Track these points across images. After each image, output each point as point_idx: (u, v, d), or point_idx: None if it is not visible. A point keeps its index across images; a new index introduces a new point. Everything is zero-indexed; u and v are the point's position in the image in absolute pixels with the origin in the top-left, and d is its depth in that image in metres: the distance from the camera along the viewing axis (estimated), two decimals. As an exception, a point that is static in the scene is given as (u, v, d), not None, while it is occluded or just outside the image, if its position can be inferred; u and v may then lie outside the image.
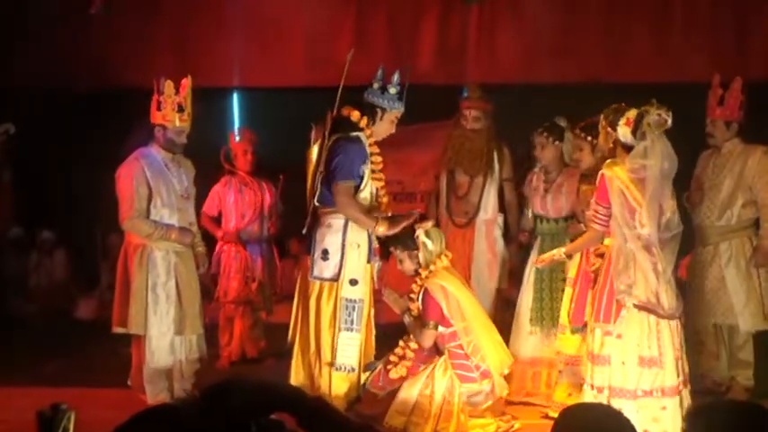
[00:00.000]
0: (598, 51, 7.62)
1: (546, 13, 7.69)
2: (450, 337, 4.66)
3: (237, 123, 8.77)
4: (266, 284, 6.46)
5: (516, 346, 5.23)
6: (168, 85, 5.04)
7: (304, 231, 4.82)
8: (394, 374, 4.72)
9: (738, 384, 5.29)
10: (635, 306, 4.21)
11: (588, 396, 4.32)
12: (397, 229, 4.69)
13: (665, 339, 4.24)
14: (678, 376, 4.27)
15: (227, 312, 6.37)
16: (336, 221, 4.68)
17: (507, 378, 5.11)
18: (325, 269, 4.66)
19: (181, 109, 5.06)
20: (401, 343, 4.80)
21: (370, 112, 4.73)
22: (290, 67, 7.95)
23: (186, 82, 5.08)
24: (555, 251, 4.74)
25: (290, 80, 8.04)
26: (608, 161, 4.30)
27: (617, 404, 4.18)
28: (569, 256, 4.76)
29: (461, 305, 4.66)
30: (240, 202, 6.37)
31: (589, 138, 4.89)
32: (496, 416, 4.80)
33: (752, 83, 5.28)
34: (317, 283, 4.69)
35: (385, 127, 4.79)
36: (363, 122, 4.71)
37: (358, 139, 4.70)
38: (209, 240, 6.33)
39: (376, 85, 4.72)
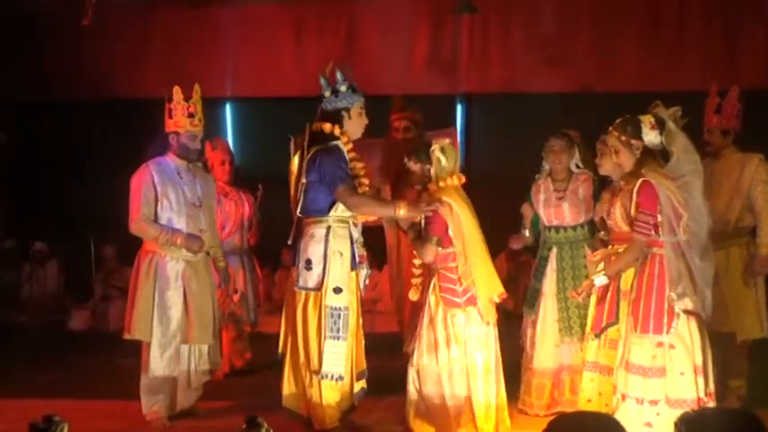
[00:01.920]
0: (590, 61, 7.67)
1: (537, 23, 7.74)
2: (444, 258, 4.68)
3: (236, 134, 8.74)
4: (248, 296, 6.36)
5: (540, 359, 5.14)
6: (177, 92, 5.11)
7: (289, 242, 4.86)
8: (413, 296, 4.81)
9: (731, 393, 5.29)
10: (684, 312, 4.22)
11: (632, 409, 4.26)
12: (417, 213, 4.72)
13: (707, 345, 4.29)
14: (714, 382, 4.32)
15: (213, 325, 6.32)
16: (319, 231, 4.71)
17: (538, 393, 5.10)
18: (309, 279, 4.69)
19: (191, 115, 5.14)
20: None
21: (337, 117, 4.78)
22: (280, 78, 7.98)
23: (196, 88, 5.16)
24: (593, 276, 4.62)
25: (279, 91, 8.06)
26: (646, 168, 4.26)
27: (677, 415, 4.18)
28: (611, 278, 4.57)
29: (463, 227, 4.66)
30: (220, 214, 6.18)
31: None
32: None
33: (742, 91, 5.31)
34: (303, 292, 4.72)
35: (356, 122, 4.83)
36: (336, 131, 4.76)
37: (336, 148, 4.75)
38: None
39: (328, 93, 4.77)
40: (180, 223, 5.08)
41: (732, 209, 5.23)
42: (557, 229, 5.20)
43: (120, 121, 7.76)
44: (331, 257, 4.67)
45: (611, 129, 4.42)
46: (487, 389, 4.67)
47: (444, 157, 4.73)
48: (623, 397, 4.33)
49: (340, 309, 4.66)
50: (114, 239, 7.77)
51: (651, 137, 4.25)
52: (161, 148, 5.20)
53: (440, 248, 4.66)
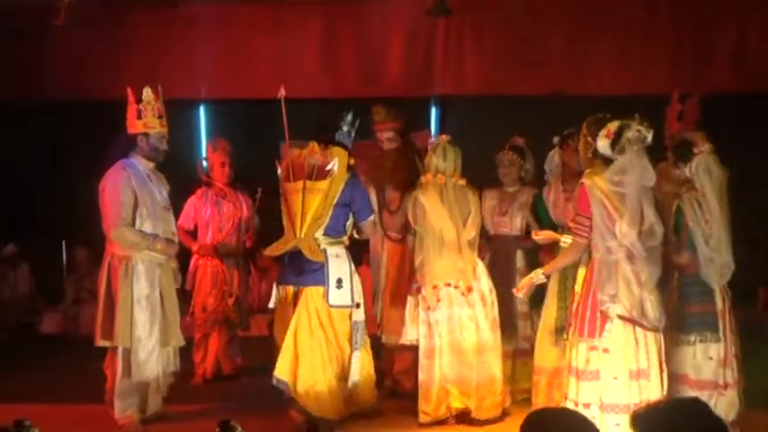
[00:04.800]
0: (563, 64, 7.73)
1: (512, 26, 7.78)
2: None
3: (210, 136, 8.67)
4: (243, 299, 6.30)
5: (540, 356, 5.19)
6: (147, 92, 5.06)
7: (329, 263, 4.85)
8: None
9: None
10: (619, 317, 4.18)
11: None
12: None
13: (652, 351, 4.23)
14: (662, 389, 4.26)
15: (204, 329, 6.19)
16: (342, 251, 4.92)
17: (535, 390, 5.15)
18: (342, 297, 4.86)
19: (160, 116, 5.10)
20: None
21: (348, 152, 4.94)
22: (254, 80, 7.94)
23: (159, 90, 5.11)
24: (532, 274, 4.64)
25: (253, 93, 8.01)
26: (587, 171, 4.28)
27: (612, 419, 4.16)
28: (548, 277, 4.66)
29: (430, 221, 4.98)
30: (217, 215, 6.20)
31: None
32: None
33: (709, 96, 5.35)
34: (335, 310, 4.84)
35: None
36: (352, 161, 4.95)
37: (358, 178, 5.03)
38: (185, 254, 6.15)
39: (346, 129, 4.97)
40: (157, 228, 5.05)
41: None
42: (563, 228, 5.21)
43: (91, 123, 7.70)
44: (354, 275, 4.92)
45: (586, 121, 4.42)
46: (429, 373, 4.99)
47: (435, 154, 5.06)
48: (564, 397, 4.35)
49: (359, 322, 4.93)
50: (86, 241, 7.71)
51: (602, 143, 4.22)
52: (125, 149, 5.11)
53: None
